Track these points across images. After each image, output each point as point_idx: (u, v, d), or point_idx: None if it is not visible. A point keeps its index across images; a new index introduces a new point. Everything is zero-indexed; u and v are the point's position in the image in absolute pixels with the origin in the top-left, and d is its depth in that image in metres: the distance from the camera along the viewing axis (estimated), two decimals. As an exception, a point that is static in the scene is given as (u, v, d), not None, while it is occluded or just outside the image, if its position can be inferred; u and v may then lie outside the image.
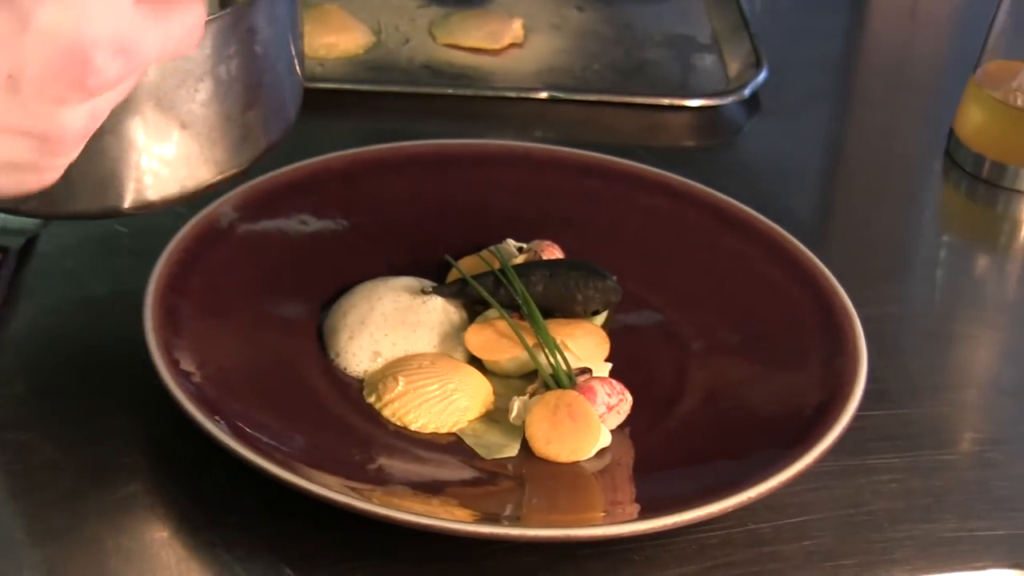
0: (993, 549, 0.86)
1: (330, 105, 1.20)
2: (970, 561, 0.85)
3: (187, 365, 0.86)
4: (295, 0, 0.80)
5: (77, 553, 0.81)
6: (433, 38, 1.29)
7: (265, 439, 0.83)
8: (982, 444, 0.95)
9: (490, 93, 1.22)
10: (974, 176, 1.17)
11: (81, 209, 0.74)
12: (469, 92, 1.22)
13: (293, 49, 0.81)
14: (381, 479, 0.84)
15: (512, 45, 1.29)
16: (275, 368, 0.90)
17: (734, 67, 1.26)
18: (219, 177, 0.76)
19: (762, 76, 1.23)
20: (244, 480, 0.82)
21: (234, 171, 0.77)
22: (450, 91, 1.22)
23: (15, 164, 0.62)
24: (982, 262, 1.16)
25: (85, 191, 0.73)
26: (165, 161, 0.73)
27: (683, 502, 0.80)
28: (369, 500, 0.79)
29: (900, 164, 1.25)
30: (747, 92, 1.22)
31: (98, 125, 0.63)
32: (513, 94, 1.23)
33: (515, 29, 1.29)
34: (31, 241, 1.03)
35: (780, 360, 0.93)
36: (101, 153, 0.71)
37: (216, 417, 0.82)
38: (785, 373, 0.92)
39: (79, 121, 0.61)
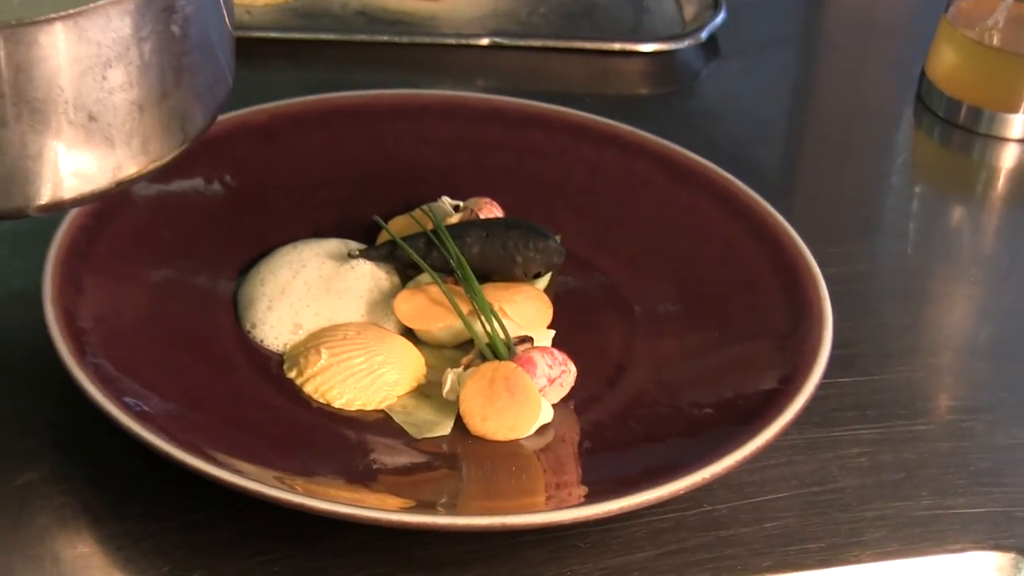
0: (971, 528, 0.79)
1: (256, 56, 1.13)
2: (946, 542, 0.78)
3: (89, 340, 0.79)
4: None
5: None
6: (368, -19, 1.22)
7: (172, 422, 0.76)
8: (958, 412, 0.88)
9: (428, 40, 1.16)
10: (948, 122, 1.10)
11: None
12: (406, 39, 1.16)
13: (227, 17, 0.74)
14: (301, 464, 0.76)
15: (452, -11, 1.22)
16: (187, 342, 0.83)
17: (690, 9, 1.20)
18: (136, 171, 0.69)
19: (720, 18, 1.17)
20: (151, 466, 0.75)
21: (155, 164, 0.70)
22: (385, 38, 1.15)
23: None
24: (957, 214, 1.09)
25: None
26: (75, 156, 0.66)
27: (632, 484, 0.73)
28: (288, 488, 0.72)
29: (868, 111, 1.17)
30: (704, 35, 1.15)
31: None
32: (453, 41, 1.16)
33: (455, -30, 1.22)
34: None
35: (737, 326, 0.87)
36: (2, 149, 0.64)
37: (120, 397, 0.75)
38: (743, 340, 0.85)
39: None
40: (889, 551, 0.78)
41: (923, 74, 1.11)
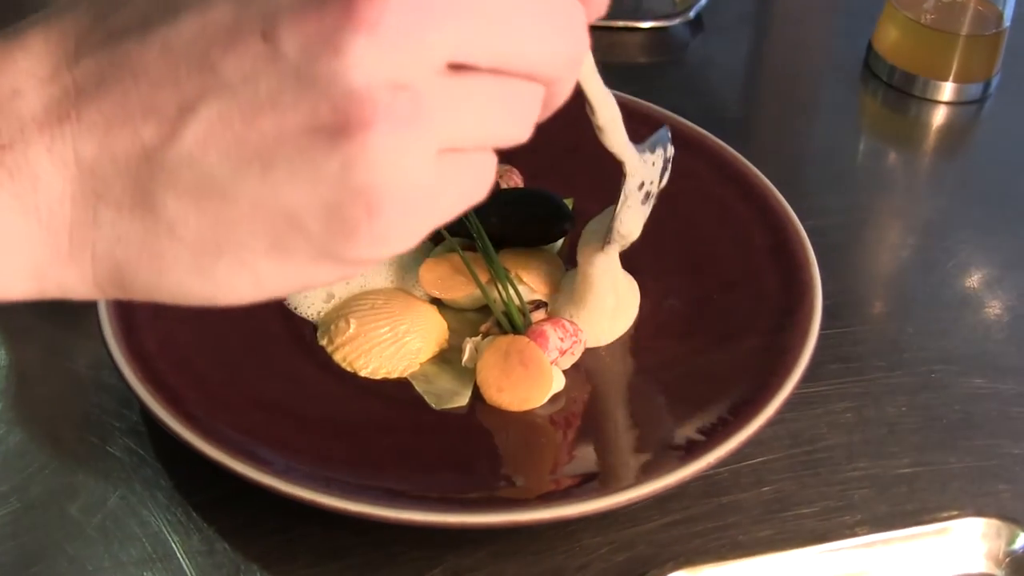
0: (951, 486, 0.54)
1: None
2: (930, 504, 0.52)
3: (133, 320, 0.53)
4: None
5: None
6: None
7: (202, 405, 0.50)
8: (928, 364, 0.60)
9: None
10: (890, 86, 0.83)
11: None
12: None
13: None
14: (323, 447, 0.50)
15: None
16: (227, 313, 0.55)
17: (679, -12, 0.91)
18: None
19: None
20: (181, 447, 0.48)
21: None
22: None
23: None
24: (899, 164, 0.80)
25: None
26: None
27: (645, 468, 0.48)
28: (304, 484, 0.46)
29: (825, 77, 0.89)
30: (692, 14, 0.89)
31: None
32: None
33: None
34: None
35: (735, 287, 0.59)
36: None
37: (153, 380, 0.50)
38: (741, 303, 0.58)
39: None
40: (878, 514, 0.52)
41: (870, 46, 0.86)
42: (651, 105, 0.69)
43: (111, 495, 0.50)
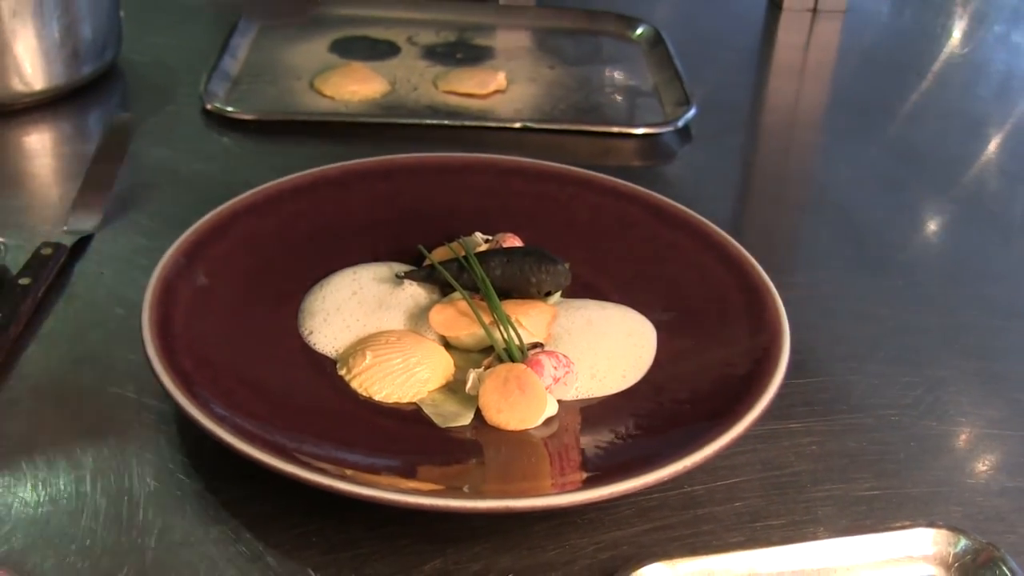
0: (905, 506, 0.58)
1: (350, 135, 0.92)
2: (886, 517, 0.57)
3: (178, 341, 0.58)
4: None
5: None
6: (435, 86, 1.01)
7: (235, 411, 0.55)
8: (886, 408, 0.65)
9: (476, 124, 0.94)
10: None
11: None
12: (457, 123, 0.94)
13: None
14: (343, 449, 0.54)
15: (496, 92, 1.01)
16: (258, 344, 0.61)
17: (669, 106, 0.99)
18: None
19: (691, 112, 0.96)
20: (211, 449, 0.53)
21: None
22: (446, 122, 0.93)
23: None
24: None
25: None
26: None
27: (625, 471, 0.52)
28: (327, 472, 0.51)
29: (794, 176, 0.96)
30: (680, 124, 0.95)
31: None
32: (494, 124, 0.95)
33: (499, 80, 1.02)
34: (86, 240, 0.74)
35: (711, 336, 0.64)
36: None
37: (193, 392, 0.55)
38: (716, 348, 0.63)
39: None
40: (840, 527, 0.56)
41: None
42: (635, 186, 0.75)
43: (147, 486, 0.55)
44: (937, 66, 1.19)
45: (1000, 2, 1.41)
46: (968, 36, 1.31)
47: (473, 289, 0.64)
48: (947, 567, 0.52)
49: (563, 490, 0.52)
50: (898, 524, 0.55)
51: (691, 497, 0.56)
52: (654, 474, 0.51)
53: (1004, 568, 0.51)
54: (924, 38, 1.27)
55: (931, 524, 0.54)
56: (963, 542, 0.52)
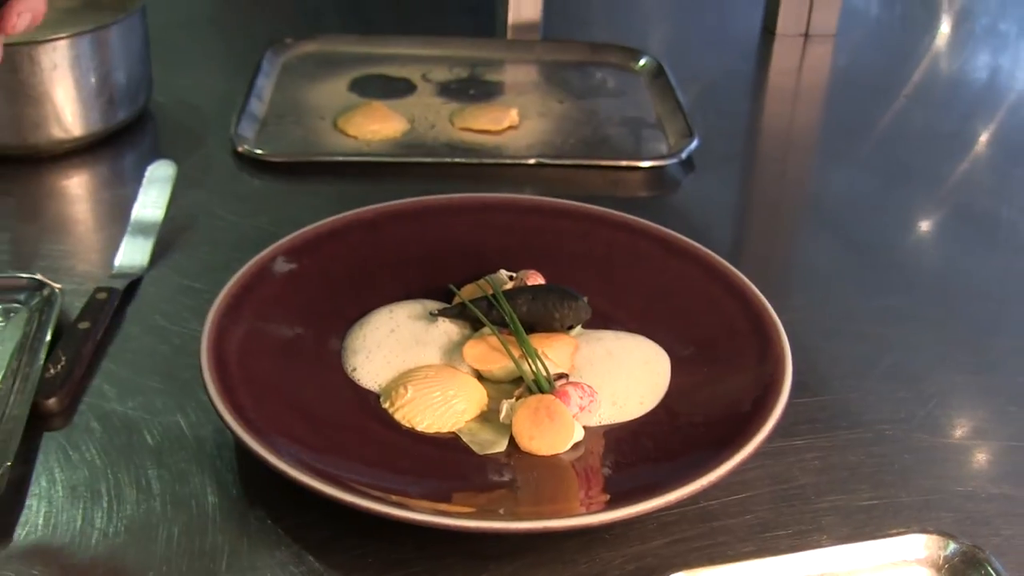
0: (902, 514, 0.64)
1: (373, 173, 0.98)
2: (886, 527, 0.62)
3: (232, 377, 0.64)
4: None
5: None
6: (452, 123, 1.06)
7: (290, 442, 0.60)
8: (882, 424, 0.70)
9: (492, 161, 1.00)
10: None
11: None
12: (475, 160, 1.00)
13: None
14: (391, 476, 0.60)
15: (510, 127, 1.07)
16: (306, 382, 0.67)
17: (673, 138, 1.05)
18: None
19: (694, 144, 1.02)
20: (271, 477, 0.59)
21: None
22: (463, 160, 0.99)
23: None
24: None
25: None
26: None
27: (648, 491, 0.58)
28: (380, 500, 0.57)
29: (792, 200, 1.02)
30: (683, 156, 1.01)
31: None
32: (509, 161, 1.00)
33: (512, 116, 1.07)
34: (135, 283, 0.80)
35: (720, 363, 0.70)
36: None
37: (252, 426, 0.60)
38: (725, 375, 0.68)
39: None
40: (843, 535, 0.62)
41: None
42: (646, 222, 0.80)
43: (213, 514, 0.60)
44: (924, 86, 1.25)
45: (984, 25, 1.47)
46: (954, 54, 1.37)
47: (501, 324, 0.69)
48: (938, 569, 0.58)
49: (592, 509, 0.58)
50: (894, 531, 0.60)
51: (707, 511, 0.62)
52: (674, 493, 0.57)
53: (989, 568, 0.57)
54: (910, 58, 1.33)
55: (923, 530, 0.59)
56: (952, 546, 0.58)
